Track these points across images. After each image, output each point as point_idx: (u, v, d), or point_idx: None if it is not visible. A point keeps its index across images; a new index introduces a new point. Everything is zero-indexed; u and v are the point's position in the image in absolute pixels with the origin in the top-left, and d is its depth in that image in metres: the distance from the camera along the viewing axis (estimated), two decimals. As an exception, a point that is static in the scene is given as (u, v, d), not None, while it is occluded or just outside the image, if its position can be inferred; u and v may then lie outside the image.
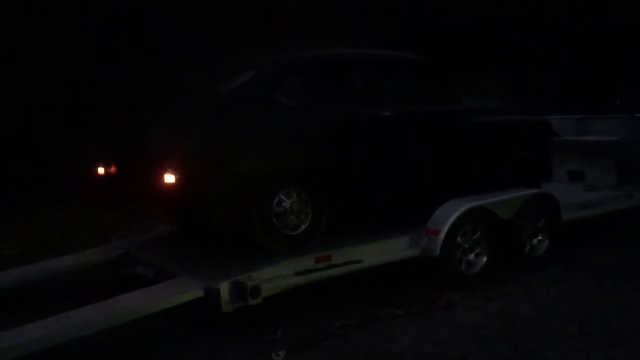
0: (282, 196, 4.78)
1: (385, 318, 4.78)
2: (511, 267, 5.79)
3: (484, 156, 6.01)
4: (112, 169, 5.19)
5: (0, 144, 9.21)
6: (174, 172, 4.43)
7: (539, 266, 5.90)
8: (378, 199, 5.39)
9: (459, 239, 5.43)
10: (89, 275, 5.51)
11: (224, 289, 4.34)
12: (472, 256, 5.55)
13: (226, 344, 4.37)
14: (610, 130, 7.77)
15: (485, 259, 5.58)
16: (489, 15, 12.34)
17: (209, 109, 5.04)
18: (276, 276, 4.61)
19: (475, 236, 5.57)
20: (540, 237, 6.02)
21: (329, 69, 5.37)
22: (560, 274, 5.79)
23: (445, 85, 5.97)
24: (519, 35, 12.35)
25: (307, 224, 4.92)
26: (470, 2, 12.55)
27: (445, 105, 5.90)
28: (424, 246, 5.32)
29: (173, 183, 4.43)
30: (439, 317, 4.80)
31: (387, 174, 5.38)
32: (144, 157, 4.77)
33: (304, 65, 5.39)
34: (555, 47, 12.47)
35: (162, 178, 4.44)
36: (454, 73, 6.95)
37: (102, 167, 5.24)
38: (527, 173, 6.26)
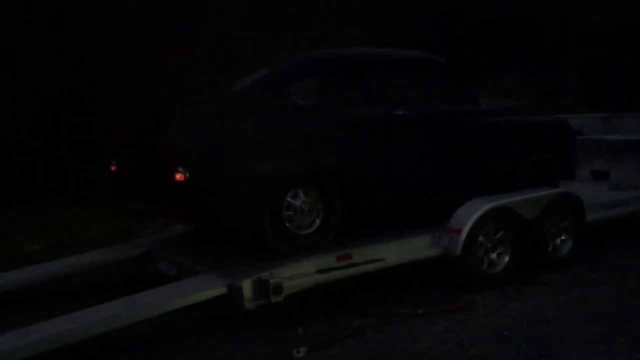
0: (292, 196, 4.80)
1: (405, 317, 4.77)
2: (534, 267, 5.74)
3: (499, 157, 5.97)
4: (125, 168, 5.26)
5: (21, 141, 9.36)
6: (184, 171, 4.49)
7: (562, 267, 5.83)
8: (391, 199, 5.37)
9: (481, 238, 5.39)
10: (112, 271, 5.59)
11: (247, 286, 4.37)
12: (494, 256, 5.51)
13: (247, 341, 4.40)
14: (636, 129, 7.66)
15: (507, 258, 5.54)
16: (513, 14, 12.23)
17: (220, 109, 5.06)
18: (298, 274, 4.64)
19: (498, 235, 5.52)
20: (563, 237, 5.95)
21: (341, 69, 5.38)
22: (584, 275, 5.72)
23: (459, 85, 5.93)
24: (543, 33, 12.23)
25: (318, 224, 4.92)
26: (495, 2, 12.44)
27: (459, 105, 5.84)
28: (446, 245, 5.29)
29: (183, 182, 4.48)
30: (460, 317, 4.77)
31: (400, 174, 5.36)
32: (156, 156, 4.82)
33: (315, 65, 5.42)
34: (580, 46, 12.32)
35: (172, 177, 4.50)
36: (469, 73, 6.87)
37: (115, 165, 5.29)
38: (545, 174, 6.20)
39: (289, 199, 4.78)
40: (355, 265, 4.93)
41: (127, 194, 5.29)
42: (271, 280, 4.39)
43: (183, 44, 10.21)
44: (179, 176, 4.51)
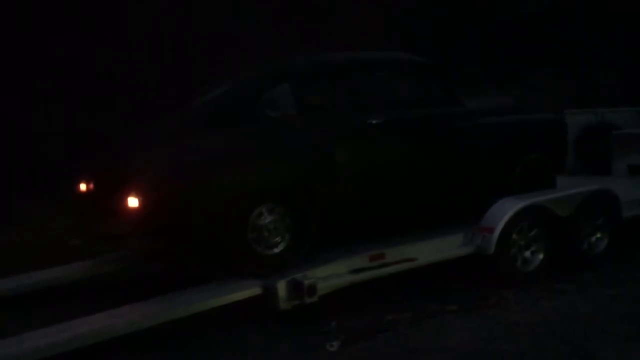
0: (259, 213, 4.59)
1: (437, 313, 4.83)
2: (568, 265, 5.71)
3: (487, 160, 5.67)
4: (91, 187, 5.06)
5: (56, 139, 9.50)
6: (137, 195, 4.35)
7: (596, 265, 5.80)
8: (370, 212, 5.15)
9: (514, 236, 5.41)
10: (150, 268, 5.72)
11: (281, 287, 4.50)
12: (527, 254, 5.51)
13: (280, 335, 4.52)
14: None
15: (541, 256, 5.54)
16: (546, 10, 12.04)
17: (180, 125, 4.91)
18: (331, 274, 4.75)
19: (532, 233, 5.53)
20: (599, 235, 5.90)
21: (310, 77, 5.18)
22: (619, 273, 5.67)
23: (442, 86, 5.67)
24: (578, 30, 12.02)
25: (288, 242, 4.71)
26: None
27: (441, 108, 5.58)
28: (478, 244, 5.33)
29: (136, 207, 4.36)
30: (492, 314, 4.80)
31: (379, 185, 5.13)
32: (115, 177, 4.69)
33: (281, 74, 5.16)
34: (617, 41, 12.06)
35: (126, 202, 4.39)
36: (449, 74, 6.37)
37: (84, 183, 5.10)
38: (540, 175, 5.98)
39: (255, 215, 4.57)
40: (388, 265, 5.02)
41: (94, 215, 5.01)
42: (305, 281, 4.51)
43: (217, 47, 10.29)
44: (131, 202, 4.37)
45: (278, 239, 4.70)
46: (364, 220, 5.16)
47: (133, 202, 4.38)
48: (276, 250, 4.70)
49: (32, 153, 9.16)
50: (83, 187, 5.13)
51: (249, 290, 4.53)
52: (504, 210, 5.39)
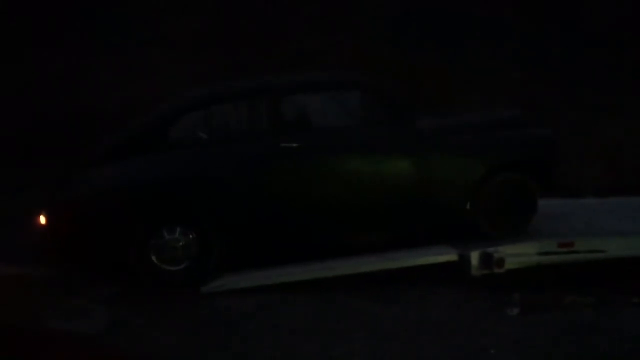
0: (162, 234, 5.04)
1: (619, 302, 5.18)
2: None
3: (438, 183, 5.42)
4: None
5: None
6: (45, 214, 5.05)
7: None
8: (285, 239, 5.32)
9: None
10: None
11: (475, 256, 5.34)
12: None
13: (471, 296, 5.26)
14: None
15: None
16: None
17: (105, 149, 5.56)
18: (520, 253, 5.42)
19: None
20: None
21: (223, 103, 5.46)
22: None
23: (383, 107, 5.50)
24: None
25: (191, 262, 5.09)
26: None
27: (378, 129, 5.41)
28: (676, 246, 5.53)
29: (44, 225, 5.05)
30: (678, 313, 4.99)
31: (295, 211, 5.26)
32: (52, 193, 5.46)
33: (196, 101, 5.55)
34: None
35: (39, 218, 5.10)
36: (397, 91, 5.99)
37: None
38: (517, 197, 5.56)
39: (158, 236, 5.03)
40: (576, 252, 5.52)
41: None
42: (495, 254, 5.29)
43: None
44: (42, 220, 5.06)
45: (182, 256, 5.10)
46: (278, 245, 5.36)
47: (43, 219, 5.12)
48: (181, 266, 5.13)
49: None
50: None
51: (447, 255, 5.44)
52: None
